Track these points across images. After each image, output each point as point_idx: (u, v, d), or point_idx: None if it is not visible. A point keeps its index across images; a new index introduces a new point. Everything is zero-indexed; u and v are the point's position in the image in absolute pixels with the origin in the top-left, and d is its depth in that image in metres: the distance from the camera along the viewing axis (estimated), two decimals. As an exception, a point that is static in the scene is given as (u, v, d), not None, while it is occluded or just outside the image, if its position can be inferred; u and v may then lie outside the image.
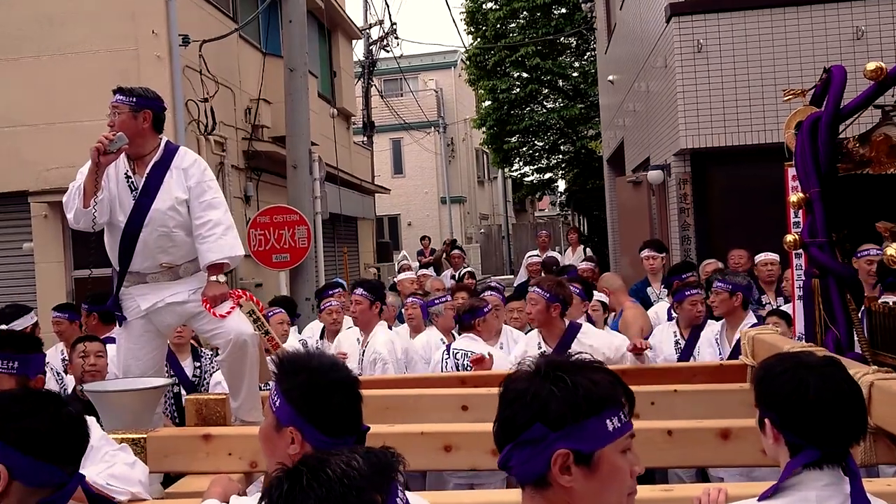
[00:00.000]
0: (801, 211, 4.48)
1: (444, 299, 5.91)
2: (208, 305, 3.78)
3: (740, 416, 3.59)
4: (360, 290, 5.44)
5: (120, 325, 3.88)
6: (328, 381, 1.97)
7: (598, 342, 4.64)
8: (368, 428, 2.02)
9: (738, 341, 4.61)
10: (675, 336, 5.22)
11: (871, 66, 4.01)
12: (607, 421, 1.48)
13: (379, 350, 5.15)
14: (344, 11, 16.25)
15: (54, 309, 6.04)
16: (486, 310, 5.15)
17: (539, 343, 4.72)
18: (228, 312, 3.83)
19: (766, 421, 2.01)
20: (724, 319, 5.12)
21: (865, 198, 4.13)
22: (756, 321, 5.01)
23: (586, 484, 1.47)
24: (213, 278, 3.83)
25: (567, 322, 4.69)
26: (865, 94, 4.14)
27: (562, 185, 29.83)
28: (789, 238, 4.36)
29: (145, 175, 3.81)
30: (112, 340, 4.45)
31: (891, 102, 3.94)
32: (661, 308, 6.14)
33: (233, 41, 10.89)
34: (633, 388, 4.09)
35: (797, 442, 1.94)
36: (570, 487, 1.47)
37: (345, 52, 17.03)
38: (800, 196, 4.30)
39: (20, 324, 5.31)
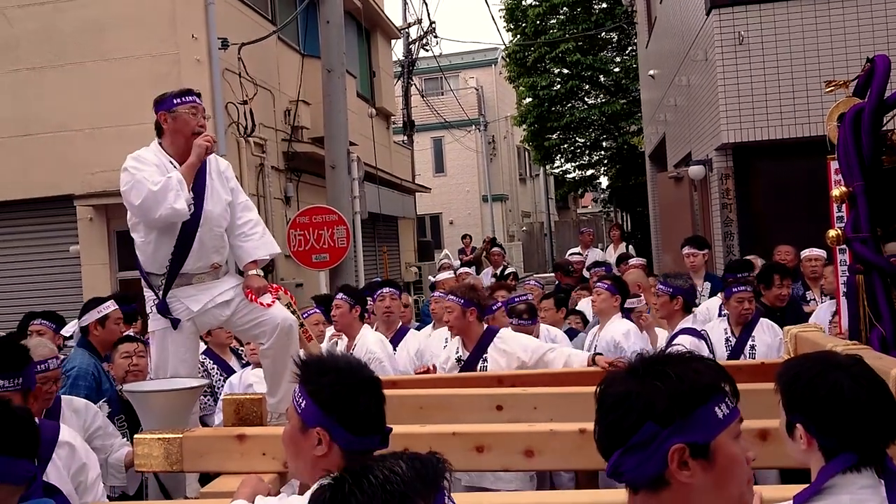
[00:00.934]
0: (844, 205, 4.38)
1: (524, 297, 5.82)
2: (253, 296, 3.88)
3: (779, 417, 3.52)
4: (339, 295, 5.44)
5: (175, 328, 3.90)
6: (355, 381, 2.00)
7: (512, 346, 4.60)
8: (391, 429, 2.04)
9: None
10: (727, 333, 5.13)
11: (916, 54, 3.90)
12: (716, 408, 1.44)
13: (372, 350, 5.12)
14: (383, 12, 16.31)
15: (99, 310, 6.15)
16: (494, 307, 5.15)
17: (458, 348, 4.71)
18: (271, 303, 3.97)
19: (798, 426, 1.94)
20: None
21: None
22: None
23: (706, 477, 1.43)
24: (254, 272, 4.00)
25: (485, 326, 4.68)
26: (911, 85, 4.03)
27: (604, 181, 29.60)
28: (832, 233, 4.26)
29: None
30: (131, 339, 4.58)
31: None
32: (712, 304, 6.00)
33: (272, 43, 10.99)
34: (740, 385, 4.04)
35: (832, 446, 1.88)
36: (690, 483, 1.42)
37: (384, 52, 17.09)
38: (843, 190, 4.20)
39: (87, 318, 5.22)
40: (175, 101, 3.85)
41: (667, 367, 1.47)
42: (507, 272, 11.62)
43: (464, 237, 18.12)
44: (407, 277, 17.51)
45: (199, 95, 3.94)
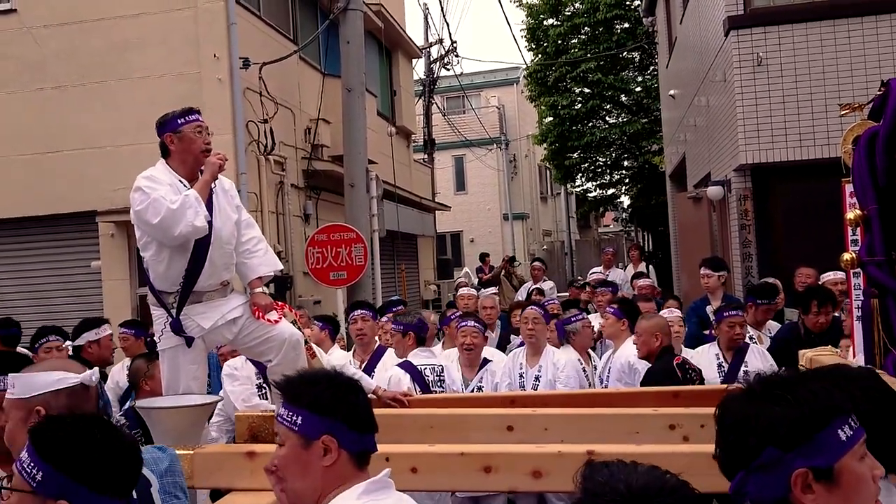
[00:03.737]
0: (858, 229, 4.35)
1: (580, 317, 5.78)
2: (260, 313, 3.90)
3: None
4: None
5: (189, 346, 3.93)
6: (346, 381, 2.06)
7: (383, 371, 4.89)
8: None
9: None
10: (718, 358, 5.10)
11: (930, 78, 3.88)
12: (839, 431, 1.44)
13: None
14: (404, 31, 16.44)
15: (121, 325, 6.23)
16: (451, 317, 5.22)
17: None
18: (277, 320, 4.01)
19: None
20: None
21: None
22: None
23: (830, 499, 1.43)
24: (260, 290, 4.05)
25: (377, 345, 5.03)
26: (925, 108, 4.00)
27: (626, 200, 29.53)
28: (846, 257, 4.23)
29: None
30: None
31: (951, 116, 3.78)
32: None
33: (293, 63, 11.11)
34: (685, 410, 3.99)
35: None
36: None
37: (405, 71, 17.21)
38: (857, 213, 4.17)
39: (86, 337, 5.51)
40: (179, 122, 3.89)
41: (785, 389, 1.46)
42: (531, 288, 11.59)
43: (482, 256, 18.10)
44: (426, 295, 17.53)
45: (199, 113, 3.97)
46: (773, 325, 6.21)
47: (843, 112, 4.56)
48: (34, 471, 1.80)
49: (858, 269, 4.29)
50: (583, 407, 4.29)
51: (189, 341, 3.93)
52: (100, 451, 1.82)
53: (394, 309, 6.96)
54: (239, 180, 9.03)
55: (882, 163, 4.04)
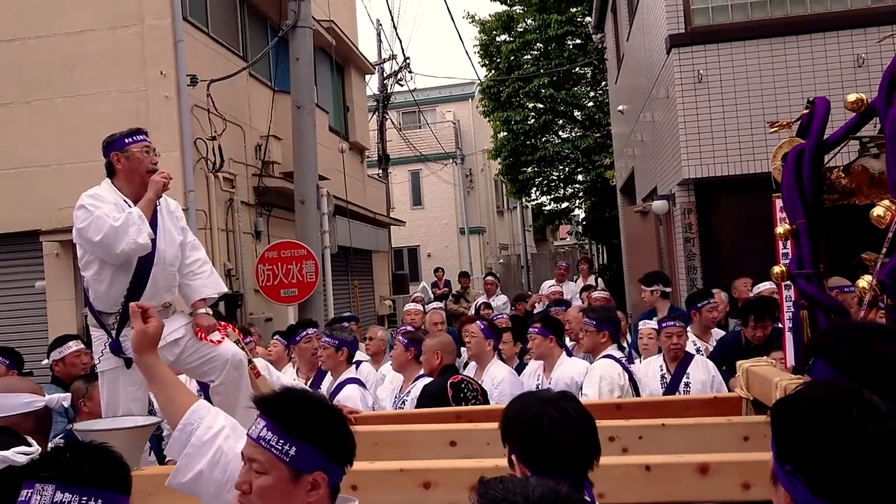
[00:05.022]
0: (789, 242, 4.48)
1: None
2: (202, 334, 3.91)
3: (728, 450, 3.58)
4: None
5: (128, 368, 3.89)
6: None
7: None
8: None
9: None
10: (662, 370, 5.19)
11: (851, 97, 4.02)
12: None
13: (496, 376, 5.26)
14: (356, 47, 16.48)
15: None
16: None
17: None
18: (220, 340, 4.01)
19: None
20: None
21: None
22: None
23: None
24: (203, 311, 4.06)
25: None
26: (848, 126, 4.14)
27: (581, 213, 29.84)
28: (777, 269, 4.36)
29: None
30: None
31: (870, 133, 3.93)
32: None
33: (243, 79, 11.08)
34: (624, 421, 4.06)
35: None
36: None
37: (358, 87, 17.24)
38: (786, 227, 4.31)
39: (53, 356, 5.52)
40: (127, 141, 3.91)
41: None
42: (480, 303, 11.67)
43: (436, 270, 18.14)
44: (381, 311, 17.51)
45: (146, 133, 4.00)
46: (717, 333, 6.34)
47: (771, 129, 4.70)
48: (286, 447, 1.82)
49: (789, 282, 4.43)
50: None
51: (129, 362, 3.91)
52: (339, 426, 1.89)
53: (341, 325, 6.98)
54: (187, 198, 8.96)
55: (809, 179, 4.18)
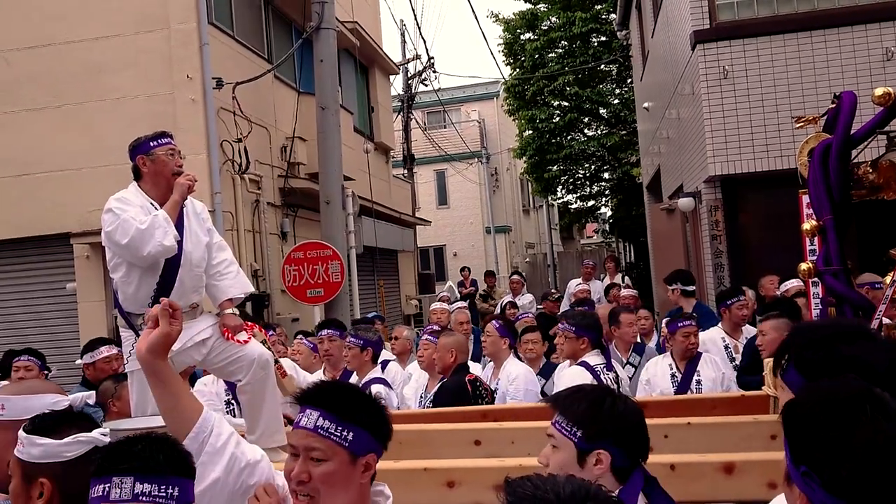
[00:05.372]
0: (816, 238, 4.44)
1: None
2: (229, 334, 3.95)
3: (752, 450, 3.55)
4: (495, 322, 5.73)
5: None
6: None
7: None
8: None
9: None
10: (672, 369, 5.16)
11: (878, 91, 3.98)
12: None
13: (512, 373, 5.32)
14: (380, 48, 16.52)
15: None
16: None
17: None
18: (247, 340, 4.03)
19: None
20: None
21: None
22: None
23: None
24: (230, 311, 4.08)
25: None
26: (875, 120, 4.10)
27: (607, 211, 29.71)
28: (804, 266, 4.32)
29: None
30: None
31: (898, 128, 3.88)
32: (713, 334, 5.95)
33: (268, 81, 11.16)
34: (649, 420, 4.06)
35: None
36: None
37: (382, 88, 17.29)
38: (813, 224, 4.26)
39: (85, 359, 5.63)
40: (152, 145, 3.96)
41: None
42: (505, 302, 11.64)
43: (462, 270, 18.15)
44: (407, 311, 17.55)
45: (171, 136, 4.04)
46: (749, 331, 6.27)
47: (797, 125, 4.66)
48: (344, 432, 1.92)
49: (816, 279, 4.39)
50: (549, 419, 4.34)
51: None
52: (381, 410, 2.03)
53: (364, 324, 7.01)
54: (214, 200, 9.05)
55: (836, 174, 4.14)
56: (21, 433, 2.12)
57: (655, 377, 5.13)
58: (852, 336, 1.69)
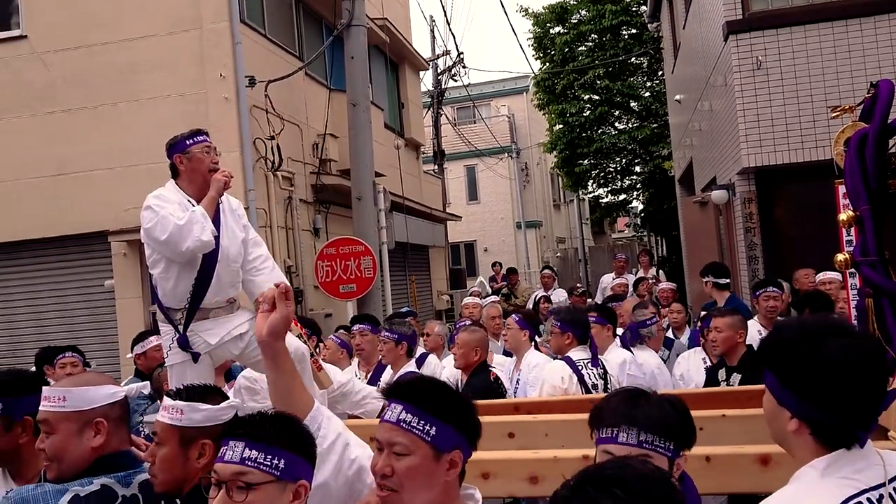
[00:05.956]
0: (853, 229, 4.38)
1: (654, 320, 5.88)
2: None
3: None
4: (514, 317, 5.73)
5: (195, 362, 4.02)
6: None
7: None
8: None
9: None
10: (706, 362, 5.15)
11: (916, 78, 3.91)
12: None
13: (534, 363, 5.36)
14: (410, 44, 16.56)
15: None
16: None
17: None
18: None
19: None
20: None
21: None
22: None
23: None
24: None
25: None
26: (913, 108, 4.04)
27: (638, 205, 29.49)
28: (840, 257, 4.26)
29: None
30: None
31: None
32: (750, 327, 5.93)
33: (299, 79, 11.24)
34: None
35: None
36: None
37: (412, 84, 17.33)
38: (850, 214, 4.21)
39: (135, 350, 5.81)
40: (188, 143, 4.02)
41: None
42: (539, 297, 11.63)
43: (493, 265, 18.13)
44: (439, 306, 17.60)
45: (207, 133, 4.10)
46: None
47: (833, 114, 4.60)
48: (427, 427, 1.91)
49: (853, 270, 4.33)
50: (585, 412, 4.34)
51: (196, 357, 4.02)
52: (468, 407, 2.00)
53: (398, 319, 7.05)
54: (247, 197, 9.15)
55: (872, 163, 4.09)
56: (176, 402, 2.27)
57: (689, 371, 5.12)
58: (821, 335, 1.70)
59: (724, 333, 4.73)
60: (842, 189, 4.57)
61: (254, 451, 1.87)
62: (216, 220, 4.00)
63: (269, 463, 1.87)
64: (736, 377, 4.68)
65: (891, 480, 1.65)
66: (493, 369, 5.30)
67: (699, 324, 5.65)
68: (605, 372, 4.77)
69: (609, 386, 4.62)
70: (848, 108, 4.59)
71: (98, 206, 9.59)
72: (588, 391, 4.63)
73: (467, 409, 1.97)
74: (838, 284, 6.23)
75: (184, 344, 4.00)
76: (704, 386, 4.85)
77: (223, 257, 4.01)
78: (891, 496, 1.62)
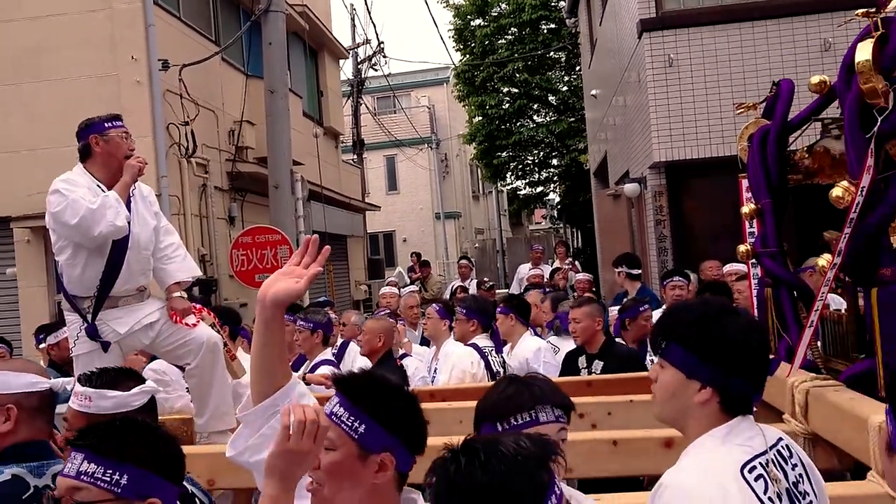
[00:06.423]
0: (755, 221, 4.58)
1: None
2: (178, 317, 3.95)
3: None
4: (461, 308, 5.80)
5: (105, 352, 3.94)
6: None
7: None
8: None
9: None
10: None
11: (815, 79, 4.10)
12: None
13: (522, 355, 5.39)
14: (330, 32, 16.40)
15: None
16: None
17: None
18: (195, 324, 4.01)
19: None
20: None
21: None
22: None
23: None
24: (178, 294, 4.07)
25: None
26: (811, 108, 4.23)
27: (555, 198, 29.98)
28: (742, 248, 4.45)
29: None
30: None
31: (833, 115, 4.02)
32: (658, 315, 6.14)
33: (215, 64, 11.01)
34: (593, 398, 4.13)
35: None
36: None
37: (332, 72, 17.18)
38: (752, 207, 4.39)
39: (49, 340, 5.59)
40: (106, 126, 3.93)
41: None
42: (456, 286, 11.71)
43: (412, 255, 18.15)
44: (357, 296, 17.54)
45: (123, 120, 4.03)
46: None
47: (738, 111, 4.79)
48: (356, 423, 1.77)
49: (755, 260, 4.53)
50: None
51: (105, 346, 3.94)
52: (411, 410, 1.86)
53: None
54: (160, 183, 8.93)
55: (773, 159, 4.27)
56: (85, 389, 2.21)
57: None
58: (731, 312, 1.92)
59: (583, 323, 4.83)
60: (745, 183, 4.77)
61: (92, 465, 1.69)
62: (127, 206, 3.92)
63: (108, 479, 1.68)
64: (598, 364, 4.81)
65: (771, 447, 1.84)
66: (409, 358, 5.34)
67: (618, 315, 5.80)
68: (504, 361, 4.93)
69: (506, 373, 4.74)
70: (751, 106, 4.78)
71: (0, 191, 9.20)
72: (493, 377, 4.74)
73: (409, 413, 1.84)
74: (739, 275, 6.50)
75: (92, 333, 3.92)
76: (562, 373, 4.93)
77: (134, 244, 3.94)
78: (773, 461, 1.80)
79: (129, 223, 3.86)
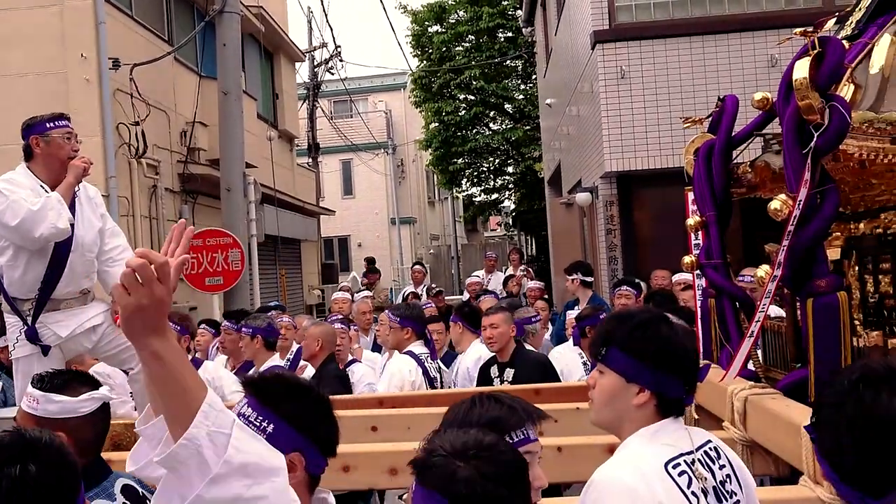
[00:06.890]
0: (700, 233, 4.68)
1: (538, 318, 5.96)
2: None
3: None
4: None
5: (45, 355, 3.87)
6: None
7: None
8: None
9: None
10: (582, 358, 5.36)
11: (757, 96, 4.21)
12: None
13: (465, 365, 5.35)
14: (286, 35, 16.31)
15: None
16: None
17: None
18: None
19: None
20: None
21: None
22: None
23: None
24: None
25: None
26: (754, 123, 4.35)
27: (510, 205, 30.17)
28: (687, 259, 4.54)
29: None
30: None
31: (774, 131, 4.13)
32: None
33: (168, 64, 10.88)
34: (541, 406, 4.21)
35: None
36: None
37: (287, 75, 17.08)
38: (697, 219, 4.49)
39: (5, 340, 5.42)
40: (48, 126, 3.86)
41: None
42: (408, 292, 11.72)
43: (366, 260, 18.10)
44: (310, 300, 17.43)
45: (69, 119, 3.96)
46: None
47: (685, 125, 4.89)
48: (263, 423, 1.75)
49: (699, 271, 4.63)
50: (446, 406, 4.44)
51: (45, 350, 3.88)
52: (321, 411, 1.84)
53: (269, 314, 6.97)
54: (108, 184, 8.79)
55: (718, 173, 4.38)
56: (33, 391, 2.17)
57: (568, 367, 5.29)
58: (658, 320, 2.04)
59: (500, 328, 4.77)
60: (691, 195, 4.88)
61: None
62: (72, 208, 3.87)
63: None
64: (509, 372, 4.77)
65: (698, 448, 1.95)
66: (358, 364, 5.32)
67: (576, 322, 5.85)
68: (440, 367, 4.97)
69: (443, 379, 4.78)
70: (698, 120, 4.89)
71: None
72: (431, 383, 4.76)
73: (319, 413, 1.83)
74: (685, 285, 6.62)
75: (32, 336, 3.86)
76: (478, 384, 4.88)
77: (77, 246, 3.88)
78: (700, 460, 1.92)
79: (72, 225, 3.80)
